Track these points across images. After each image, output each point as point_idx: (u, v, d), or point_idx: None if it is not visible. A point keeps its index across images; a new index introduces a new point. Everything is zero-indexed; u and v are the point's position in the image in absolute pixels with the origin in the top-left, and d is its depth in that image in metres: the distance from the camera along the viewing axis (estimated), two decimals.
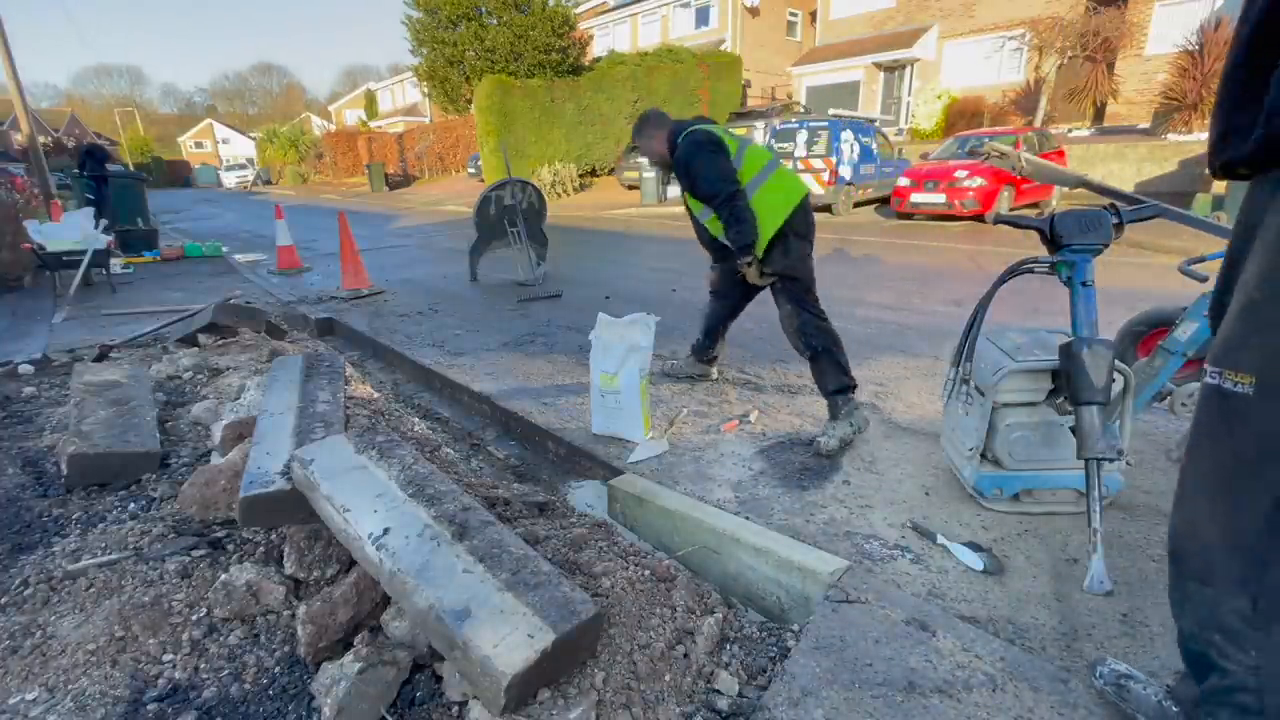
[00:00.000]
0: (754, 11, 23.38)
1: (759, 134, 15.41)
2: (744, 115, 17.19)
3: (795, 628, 1.70)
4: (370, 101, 46.39)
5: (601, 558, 1.73)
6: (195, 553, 1.93)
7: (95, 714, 1.40)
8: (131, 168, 17.26)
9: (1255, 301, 0.92)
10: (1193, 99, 11.64)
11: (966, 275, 6.20)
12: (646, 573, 1.69)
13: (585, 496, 2.56)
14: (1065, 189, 10.75)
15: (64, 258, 6.10)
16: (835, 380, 2.66)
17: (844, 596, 1.69)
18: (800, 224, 2.69)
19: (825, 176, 11.16)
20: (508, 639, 1.22)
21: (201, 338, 4.05)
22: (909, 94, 19.22)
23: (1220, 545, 1.00)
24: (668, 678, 1.42)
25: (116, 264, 7.29)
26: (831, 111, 13.59)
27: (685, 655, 1.50)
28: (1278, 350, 0.91)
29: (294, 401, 2.42)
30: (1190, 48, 11.84)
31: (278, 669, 1.56)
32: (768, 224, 2.64)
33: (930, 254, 7.60)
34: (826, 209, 11.59)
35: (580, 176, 17.93)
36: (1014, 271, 1.96)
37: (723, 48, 21.98)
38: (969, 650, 1.50)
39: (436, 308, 5.59)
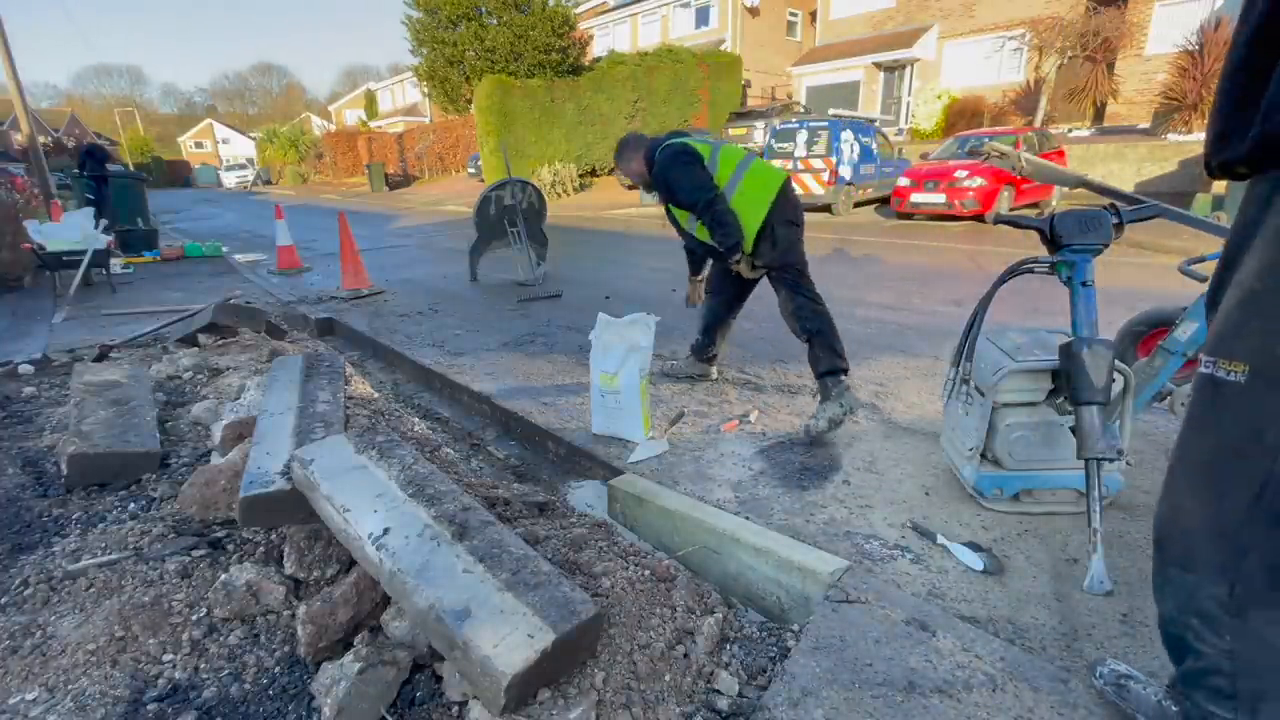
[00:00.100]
0: (754, 11, 23.38)
1: (759, 134, 15.44)
2: (744, 115, 17.20)
3: (795, 628, 1.70)
4: (370, 101, 46.40)
5: (601, 558, 1.73)
6: (195, 553, 1.93)
7: (95, 714, 1.40)
8: (131, 168, 17.27)
9: (1255, 292, 0.93)
10: (1193, 99, 11.64)
11: (966, 275, 6.20)
12: (646, 573, 1.69)
13: (585, 496, 2.56)
14: (1065, 189, 10.75)
15: (64, 258, 6.10)
16: (827, 363, 2.73)
17: (844, 596, 1.69)
18: (784, 212, 2.76)
19: (825, 176, 11.17)
20: (508, 639, 1.22)
21: (201, 338, 4.04)
22: (909, 94, 19.22)
23: (1202, 532, 1.02)
24: (668, 678, 1.42)
25: (116, 264, 7.29)
26: (831, 111, 13.59)
27: (685, 655, 1.50)
28: (1273, 339, 0.92)
29: (294, 401, 2.42)
30: (1190, 48, 11.84)
31: (278, 669, 1.56)
32: (751, 220, 2.72)
33: (930, 254, 7.60)
34: (826, 209, 11.60)
35: (580, 176, 17.93)
36: (1014, 271, 1.96)
37: (723, 48, 21.98)
38: (969, 650, 1.50)
39: (436, 308, 5.59)
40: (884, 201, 12.07)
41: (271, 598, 1.70)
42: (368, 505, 1.60)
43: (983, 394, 2.03)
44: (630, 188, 16.61)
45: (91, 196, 9.11)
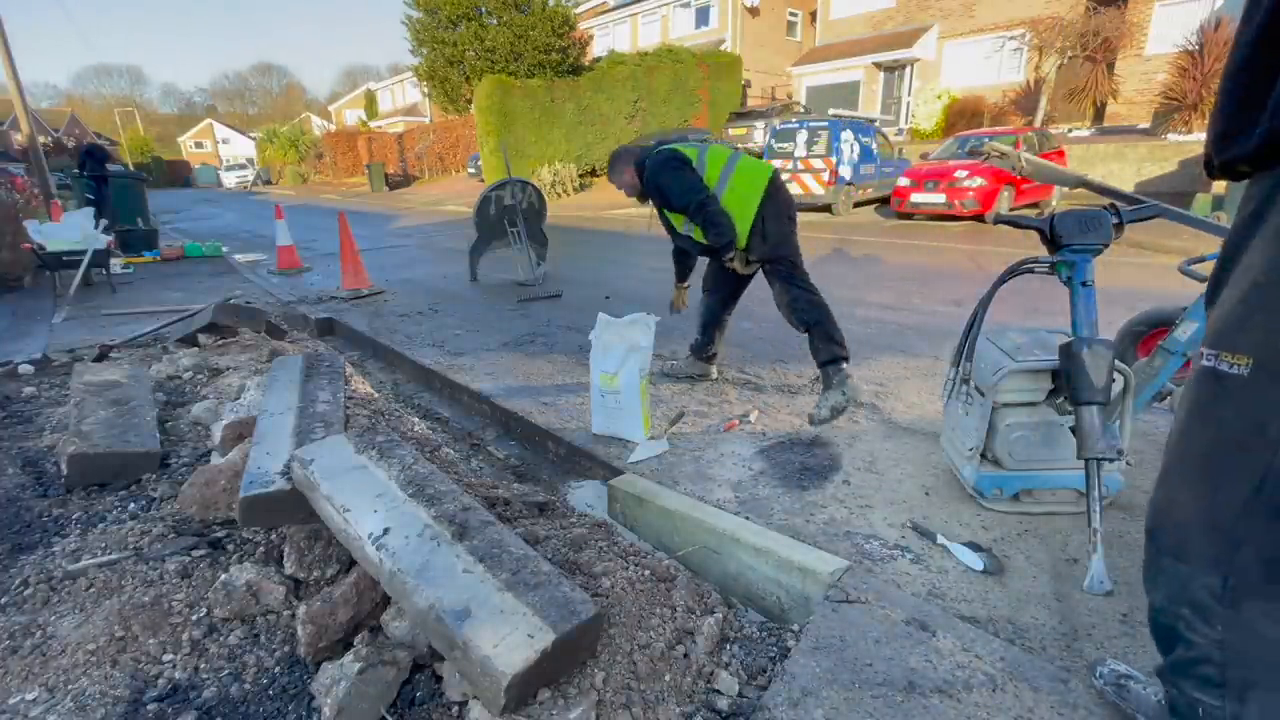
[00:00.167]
0: (754, 11, 23.38)
1: (759, 134, 15.44)
2: (744, 115, 17.21)
3: (795, 628, 1.70)
4: (370, 101, 46.39)
5: (601, 558, 1.73)
6: (195, 553, 1.93)
7: (95, 714, 1.40)
8: (131, 168, 17.24)
9: (1259, 285, 0.93)
10: (1193, 99, 11.64)
11: (966, 275, 6.20)
12: (646, 573, 1.69)
13: (585, 496, 2.56)
14: (1065, 189, 10.75)
15: (64, 258, 6.10)
16: (826, 352, 2.78)
17: (844, 596, 1.69)
18: (774, 205, 2.82)
19: (825, 176, 11.17)
20: (508, 639, 1.22)
21: (201, 338, 4.04)
22: (909, 94, 19.22)
23: (1197, 524, 1.02)
24: (668, 678, 1.42)
25: (116, 264, 7.29)
26: (831, 111, 13.59)
27: (685, 655, 1.50)
28: (1277, 333, 0.92)
29: (294, 401, 2.42)
30: (1190, 48, 11.84)
31: (278, 669, 1.56)
32: (743, 216, 2.79)
33: (930, 254, 7.60)
34: (826, 209, 11.60)
35: (580, 176, 17.92)
36: (1014, 271, 1.96)
37: (723, 48, 21.98)
38: (969, 650, 1.50)
39: (436, 308, 5.59)
40: (884, 201, 12.07)
41: (271, 598, 1.70)
42: (368, 505, 1.60)
43: (983, 394, 2.03)
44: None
45: (91, 196, 9.11)
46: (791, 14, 24.98)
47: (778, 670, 1.49)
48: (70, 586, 1.79)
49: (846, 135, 11.24)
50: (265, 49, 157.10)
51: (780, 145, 11.85)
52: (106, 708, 1.41)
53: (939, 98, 17.40)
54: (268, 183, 40.05)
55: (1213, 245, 2.06)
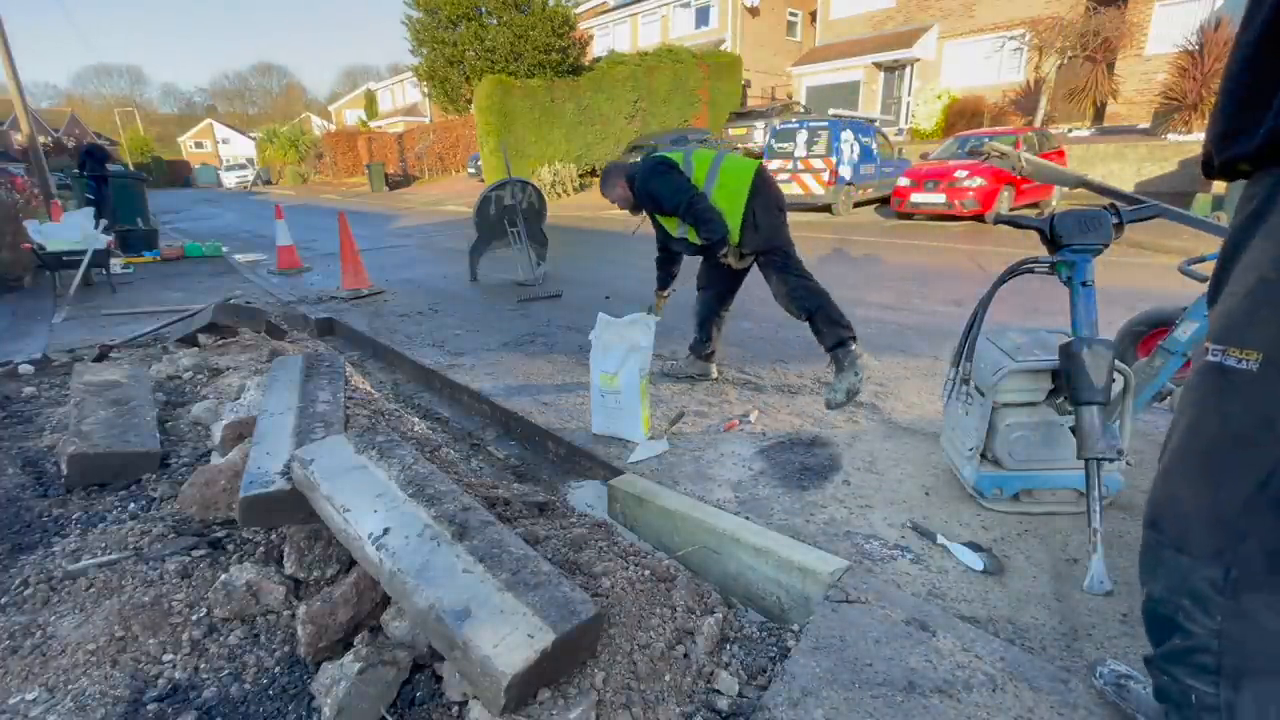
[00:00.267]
0: (754, 11, 23.38)
1: (759, 134, 15.44)
2: (744, 115, 17.20)
3: (795, 628, 1.70)
4: (370, 101, 46.38)
5: (601, 558, 1.73)
6: (195, 553, 1.93)
7: (95, 714, 1.40)
8: (131, 168, 17.23)
9: (1269, 281, 0.94)
10: (1193, 99, 11.64)
11: (966, 275, 6.20)
12: (646, 573, 1.69)
13: (585, 496, 2.56)
14: (1065, 189, 10.75)
15: (64, 258, 6.10)
16: (832, 336, 2.83)
17: (844, 596, 1.69)
18: (763, 198, 2.89)
19: (825, 176, 11.16)
20: (508, 639, 1.22)
21: (201, 338, 4.04)
22: (909, 94, 19.22)
23: (1200, 517, 1.03)
24: (668, 678, 1.42)
25: (116, 264, 7.29)
26: (831, 111, 13.59)
27: (685, 655, 1.50)
28: None
29: (294, 401, 2.42)
30: (1190, 48, 11.83)
31: (278, 669, 1.56)
32: (733, 211, 2.86)
33: (930, 254, 7.60)
34: (826, 209, 11.59)
35: (580, 176, 17.92)
36: (1014, 271, 1.96)
37: (723, 48, 21.98)
38: (969, 650, 1.50)
39: (436, 308, 5.59)
40: (884, 201, 12.07)
41: (271, 598, 1.70)
42: (368, 505, 1.60)
43: (983, 394, 2.03)
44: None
45: (91, 196, 9.11)
46: (791, 14, 24.98)
47: (778, 670, 1.49)
48: (70, 586, 1.79)
49: (846, 135, 11.23)
50: (265, 49, 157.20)
51: (780, 145, 11.85)
52: (106, 708, 1.41)
53: (939, 98, 17.40)
54: (268, 183, 40.05)
55: (1213, 245, 2.06)
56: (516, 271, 6.39)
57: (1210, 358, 1.01)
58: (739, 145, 15.81)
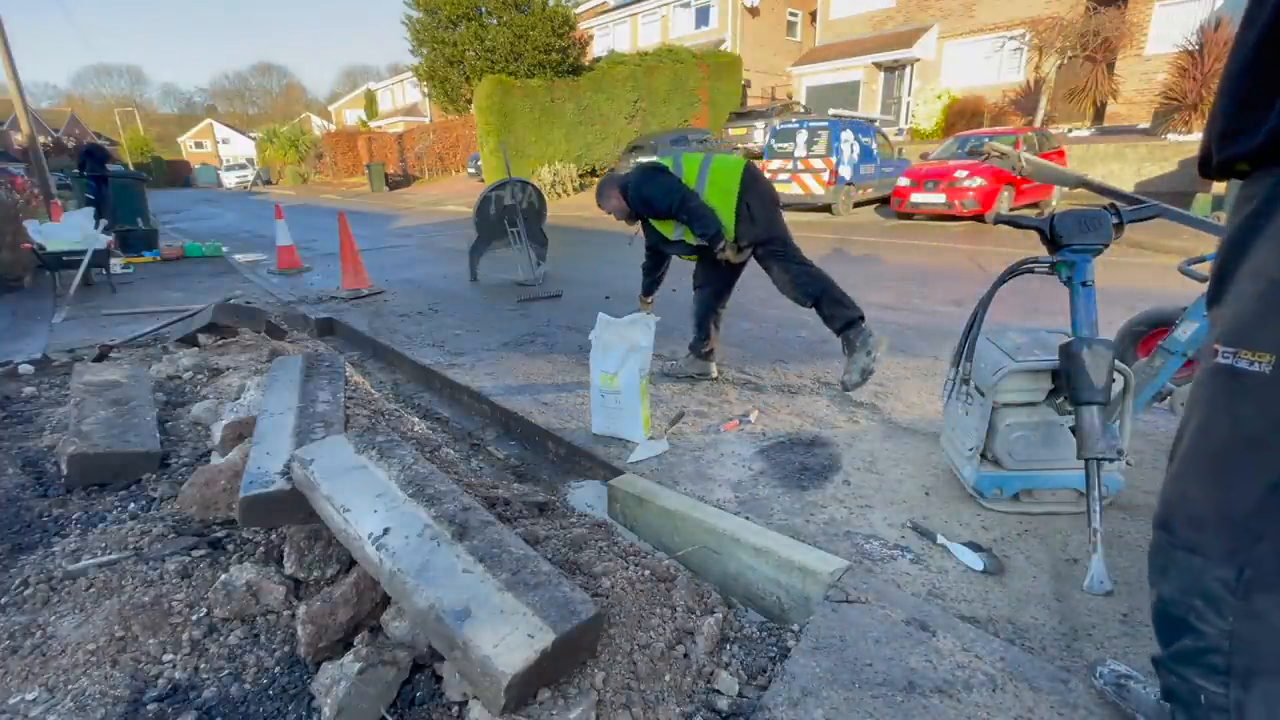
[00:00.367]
0: (754, 11, 23.38)
1: (759, 134, 15.43)
2: (744, 115, 17.20)
3: (795, 628, 1.70)
4: (370, 101, 46.37)
5: (601, 558, 1.73)
6: (195, 553, 1.93)
7: (95, 714, 1.40)
8: (131, 168, 17.25)
9: (1277, 282, 0.94)
10: (1193, 99, 11.63)
11: (966, 275, 6.20)
12: (646, 573, 1.69)
13: (585, 496, 2.56)
14: (1065, 189, 10.75)
15: (64, 258, 6.10)
16: (840, 318, 2.87)
17: (844, 596, 1.69)
18: (756, 191, 2.95)
19: (825, 176, 11.16)
20: (508, 639, 1.22)
21: (201, 338, 4.04)
22: (909, 94, 19.22)
23: (1212, 519, 1.03)
24: (668, 678, 1.42)
25: (116, 264, 7.29)
26: (831, 111, 13.60)
27: (685, 655, 1.50)
28: None
29: (294, 401, 2.42)
30: (1190, 48, 11.83)
31: (278, 669, 1.56)
32: (726, 207, 2.92)
33: (930, 254, 7.60)
34: (826, 209, 11.59)
35: (580, 176, 17.91)
36: (1014, 271, 1.96)
37: (723, 48, 21.98)
38: (969, 650, 1.50)
39: (436, 308, 5.59)
40: (884, 201, 12.06)
41: (271, 598, 1.70)
42: (368, 505, 1.60)
43: (983, 394, 2.03)
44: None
45: (91, 196, 9.10)
46: (791, 14, 24.97)
47: (778, 670, 1.49)
48: (70, 586, 1.79)
49: (846, 135, 11.23)
50: (265, 49, 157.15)
51: (780, 145, 11.85)
52: (106, 708, 1.41)
53: (939, 98, 17.40)
54: (268, 183, 40.05)
55: (1212, 245, 2.06)
56: (516, 271, 6.39)
57: (1221, 360, 1.01)
58: (739, 145, 15.81)
